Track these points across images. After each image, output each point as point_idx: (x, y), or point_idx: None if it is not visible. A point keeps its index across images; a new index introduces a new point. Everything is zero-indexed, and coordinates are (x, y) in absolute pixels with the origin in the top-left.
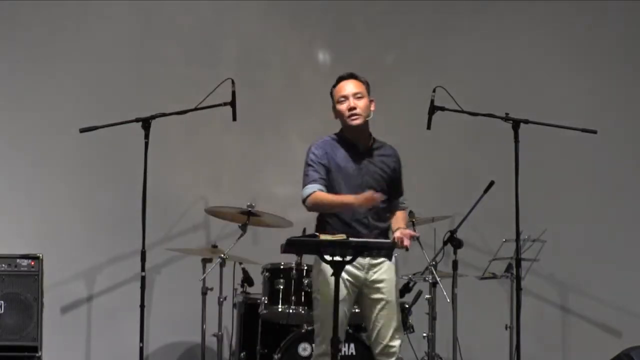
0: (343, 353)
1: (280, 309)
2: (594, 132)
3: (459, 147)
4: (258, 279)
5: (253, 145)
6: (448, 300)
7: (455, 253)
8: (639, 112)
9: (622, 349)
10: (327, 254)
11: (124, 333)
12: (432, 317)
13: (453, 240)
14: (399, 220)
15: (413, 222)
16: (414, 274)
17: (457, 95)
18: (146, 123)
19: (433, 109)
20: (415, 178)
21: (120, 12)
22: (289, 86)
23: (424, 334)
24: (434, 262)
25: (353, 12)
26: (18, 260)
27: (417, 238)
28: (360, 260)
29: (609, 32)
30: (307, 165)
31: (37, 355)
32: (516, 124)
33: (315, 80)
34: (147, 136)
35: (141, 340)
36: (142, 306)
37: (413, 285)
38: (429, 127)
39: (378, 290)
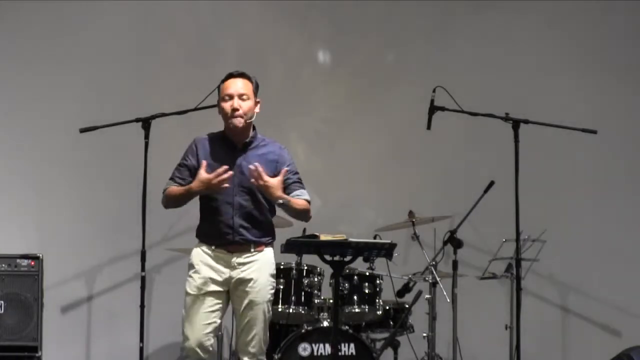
0: (343, 353)
1: (280, 309)
2: (594, 132)
3: (459, 147)
4: None
5: None
6: (448, 300)
7: (455, 253)
8: (639, 112)
9: (622, 349)
10: (327, 254)
11: (124, 333)
12: (432, 317)
13: (453, 240)
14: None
15: (413, 222)
16: (414, 274)
17: (457, 95)
18: (146, 123)
19: (433, 109)
20: (415, 178)
21: (120, 12)
22: (288, 86)
23: (424, 334)
24: (434, 262)
25: (353, 12)
26: (18, 260)
27: (417, 238)
28: (226, 257)
29: (609, 32)
30: (179, 163)
31: (37, 355)
32: (516, 124)
33: (315, 80)
34: (147, 136)
35: (141, 340)
36: (142, 306)
37: (413, 285)
38: (429, 127)
39: (244, 290)
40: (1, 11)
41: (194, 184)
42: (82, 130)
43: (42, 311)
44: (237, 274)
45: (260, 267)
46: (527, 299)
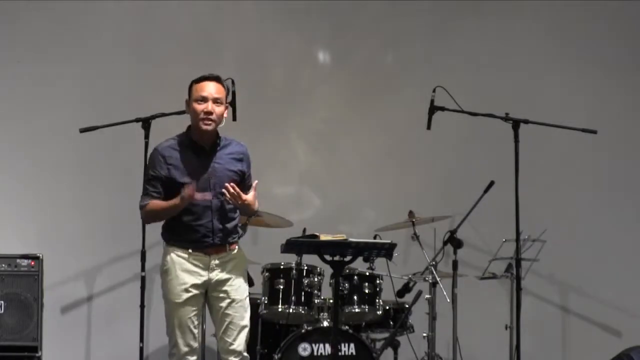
0: (343, 353)
1: (280, 309)
2: (594, 132)
3: (459, 147)
4: (258, 279)
5: (253, 145)
6: (448, 300)
7: (455, 253)
8: (639, 112)
9: (622, 349)
10: (327, 254)
11: (124, 333)
12: (432, 317)
13: (453, 240)
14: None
15: (413, 222)
16: (414, 274)
17: (457, 95)
18: (146, 123)
19: (433, 109)
20: (415, 178)
21: (120, 12)
22: (289, 86)
23: (424, 334)
24: (434, 262)
25: (353, 12)
26: (18, 260)
27: (417, 238)
28: (204, 259)
29: (609, 32)
30: (145, 175)
31: (37, 355)
32: (516, 124)
33: (315, 80)
34: (147, 136)
35: (141, 340)
36: (142, 306)
37: (413, 285)
38: (429, 127)
39: (223, 290)
40: (1, 11)
41: (181, 201)
42: (82, 130)
43: (42, 311)
44: (215, 275)
45: (236, 264)
46: (527, 299)
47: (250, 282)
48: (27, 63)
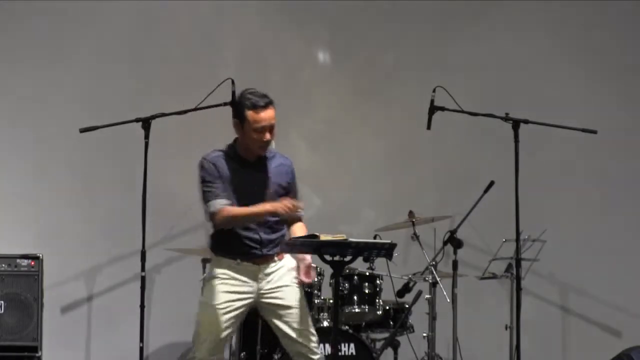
0: (343, 353)
1: None
2: (594, 132)
3: (458, 147)
4: None
5: None
6: (448, 300)
7: (455, 253)
8: (639, 112)
9: (622, 349)
10: (327, 254)
11: (124, 333)
12: (432, 317)
13: (453, 240)
14: (297, 232)
15: (413, 222)
16: (414, 274)
17: (457, 95)
18: (146, 123)
19: (433, 109)
20: (415, 178)
21: (120, 12)
22: (289, 86)
23: (424, 334)
24: (434, 262)
25: (353, 12)
26: (18, 260)
27: (417, 238)
28: (252, 269)
29: (609, 32)
30: (204, 182)
31: (37, 355)
32: (516, 124)
33: (315, 80)
34: (147, 136)
35: (141, 340)
36: (142, 306)
37: (413, 285)
38: (429, 127)
39: (275, 297)
40: (1, 11)
41: (273, 206)
42: (82, 130)
43: (42, 311)
44: (264, 284)
45: (285, 272)
46: (527, 299)
47: None
48: (27, 63)
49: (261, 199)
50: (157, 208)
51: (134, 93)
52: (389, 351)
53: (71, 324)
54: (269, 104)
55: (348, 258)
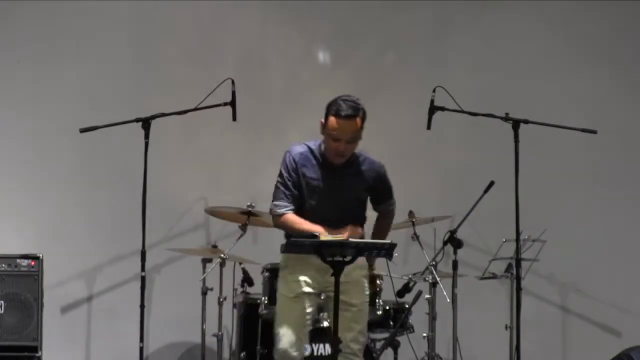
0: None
1: None
2: (594, 132)
3: (459, 148)
4: (258, 279)
5: (253, 145)
6: (448, 300)
7: (455, 253)
8: (639, 112)
9: (622, 349)
10: (327, 254)
11: (124, 333)
12: (432, 317)
13: (453, 240)
14: (378, 234)
15: (413, 222)
16: (414, 274)
17: (457, 95)
18: (146, 123)
19: (433, 109)
20: (415, 178)
21: (120, 12)
22: (288, 86)
23: (424, 334)
24: (434, 262)
25: (353, 12)
26: (18, 260)
27: (417, 238)
28: (321, 263)
29: (609, 32)
30: (280, 175)
31: (37, 355)
32: (516, 124)
33: (315, 80)
34: (147, 136)
35: (141, 340)
36: (142, 306)
37: (413, 285)
38: (429, 127)
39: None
40: (1, 11)
41: (330, 236)
42: (82, 130)
43: (42, 311)
44: (332, 280)
45: (352, 269)
46: (527, 299)
47: (250, 282)
48: (27, 63)
49: (338, 202)
50: (157, 208)
51: (134, 93)
52: (389, 351)
53: (71, 324)
54: (352, 116)
55: (348, 258)
